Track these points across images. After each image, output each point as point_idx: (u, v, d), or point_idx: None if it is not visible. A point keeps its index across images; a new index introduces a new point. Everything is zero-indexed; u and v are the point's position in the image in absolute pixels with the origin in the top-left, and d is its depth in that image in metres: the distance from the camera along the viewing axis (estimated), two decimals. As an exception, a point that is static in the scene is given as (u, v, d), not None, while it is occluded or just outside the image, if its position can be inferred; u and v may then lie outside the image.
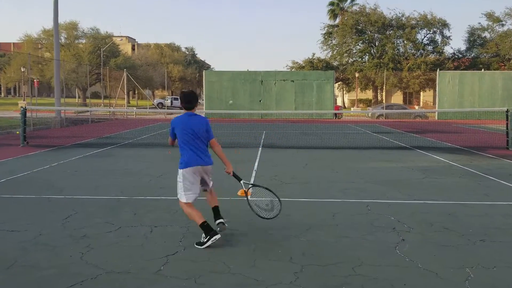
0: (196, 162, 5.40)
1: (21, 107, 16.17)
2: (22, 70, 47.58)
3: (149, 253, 5.01)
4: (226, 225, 5.62)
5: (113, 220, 6.31)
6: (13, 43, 76.09)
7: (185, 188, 5.32)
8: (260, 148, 15.07)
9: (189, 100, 5.58)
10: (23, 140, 15.35)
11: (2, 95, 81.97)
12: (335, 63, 57.54)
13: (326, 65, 55.07)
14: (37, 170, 10.40)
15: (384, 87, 50.39)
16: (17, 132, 17.76)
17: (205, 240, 5.19)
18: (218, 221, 5.56)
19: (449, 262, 4.80)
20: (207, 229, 5.22)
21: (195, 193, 5.40)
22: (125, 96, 48.69)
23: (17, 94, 79.12)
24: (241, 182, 5.79)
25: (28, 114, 18.41)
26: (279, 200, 5.67)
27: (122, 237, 5.58)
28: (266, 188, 5.78)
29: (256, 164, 11.64)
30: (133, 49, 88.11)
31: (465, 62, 54.05)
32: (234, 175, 5.77)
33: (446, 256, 5.00)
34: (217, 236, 5.19)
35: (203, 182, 5.57)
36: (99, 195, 7.85)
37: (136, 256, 4.92)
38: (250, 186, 5.90)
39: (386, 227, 6.05)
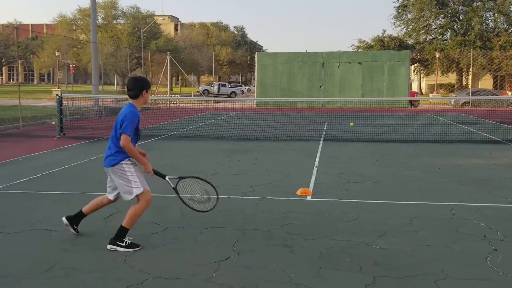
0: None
1: (57, 95, 16.93)
2: (57, 54, 49.76)
3: (199, 258, 5.15)
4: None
5: (158, 220, 6.51)
6: (46, 25, 79.79)
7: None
8: (321, 142, 15.02)
9: (131, 87, 5.48)
10: (59, 131, 16.10)
11: (35, 82, 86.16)
12: (411, 42, 56.25)
13: (400, 44, 53.93)
14: (75, 164, 10.89)
15: (470, 70, 48.64)
16: (53, 123, 18.64)
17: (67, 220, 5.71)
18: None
19: (554, 278, 4.62)
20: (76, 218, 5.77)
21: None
22: (168, 82, 49.85)
23: (51, 81, 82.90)
24: (166, 178, 5.64)
25: (64, 103, 19.25)
26: (213, 187, 5.68)
27: (169, 239, 5.76)
28: (196, 177, 5.77)
29: (317, 160, 11.62)
30: (176, 29, 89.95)
31: None
32: (156, 173, 5.59)
33: (551, 271, 4.80)
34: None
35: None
36: (142, 193, 8.11)
37: (185, 261, 5.07)
38: (177, 180, 5.73)
39: (475, 235, 5.89)
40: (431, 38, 56.18)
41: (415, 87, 62.64)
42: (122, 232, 5.39)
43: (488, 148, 13.70)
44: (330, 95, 35.84)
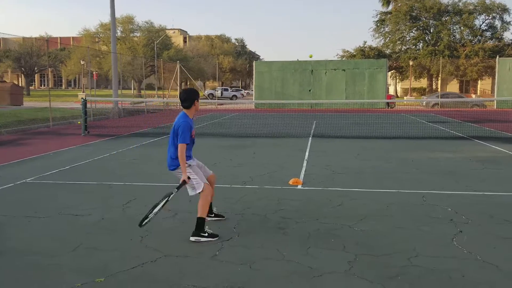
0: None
1: (82, 98, 16.88)
2: (82, 63, 49.60)
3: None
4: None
5: (169, 206, 6.48)
6: (73, 37, 79.46)
7: None
8: (310, 138, 15.00)
9: (184, 99, 5.32)
10: (84, 129, 16.05)
11: (63, 87, 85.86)
12: (388, 51, 56.13)
13: (378, 53, 53.82)
14: (98, 158, 10.87)
15: (439, 76, 48.62)
16: (79, 122, 18.60)
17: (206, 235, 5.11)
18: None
19: (511, 255, 4.62)
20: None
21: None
22: (178, 87, 49.70)
23: (77, 86, 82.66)
24: (175, 190, 5.18)
25: (88, 105, 19.19)
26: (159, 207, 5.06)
27: (178, 223, 5.76)
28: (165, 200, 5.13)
29: (307, 153, 11.61)
30: (184, 41, 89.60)
31: (527, 49, 51.15)
32: (180, 186, 5.17)
33: (508, 249, 4.81)
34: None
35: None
36: (156, 182, 8.11)
37: (192, 241, 5.05)
38: (168, 199, 5.12)
39: (443, 219, 5.88)
40: (405, 48, 56.07)
41: (391, 91, 62.49)
42: (201, 223, 5.12)
43: (455, 143, 13.69)
44: (318, 97, 35.79)
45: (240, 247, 4.89)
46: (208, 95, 57.08)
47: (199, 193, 5.21)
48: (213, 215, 5.85)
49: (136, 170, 9.38)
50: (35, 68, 58.05)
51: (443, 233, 5.32)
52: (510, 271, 4.22)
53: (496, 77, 35.86)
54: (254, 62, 40.11)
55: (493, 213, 6.12)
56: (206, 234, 5.11)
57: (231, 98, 55.86)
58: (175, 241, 5.08)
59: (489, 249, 4.80)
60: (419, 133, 16.39)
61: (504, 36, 52.51)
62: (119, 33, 56.02)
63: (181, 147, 5.14)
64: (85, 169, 9.50)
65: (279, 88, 36.98)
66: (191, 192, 5.28)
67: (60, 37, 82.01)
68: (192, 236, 5.09)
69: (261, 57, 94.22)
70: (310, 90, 36.80)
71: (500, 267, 4.32)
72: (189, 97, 5.33)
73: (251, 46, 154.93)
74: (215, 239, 5.09)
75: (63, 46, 70.95)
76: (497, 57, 37.42)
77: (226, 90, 60.45)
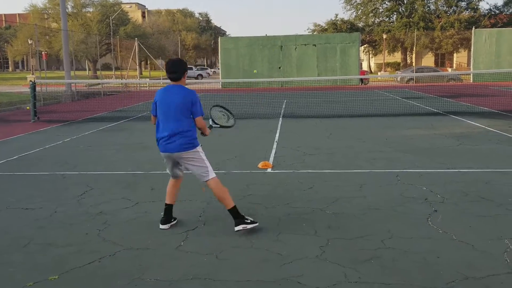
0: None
1: (30, 81, 16.38)
2: (29, 43, 48.06)
3: (168, 229, 5.11)
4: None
5: (129, 195, 6.42)
6: (18, 14, 76.74)
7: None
8: (280, 119, 15.04)
9: (174, 70, 5.09)
10: (33, 115, 15.61)
11: (10, 69, 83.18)
12: (360, 24, 56.50)
13: (351, 27, 54.15)
14: (49, 146, 10.61)
15: (414, 49, 49.36)
16: (28, 108, 18.06)
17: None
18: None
19: (486, 234, 4.77)
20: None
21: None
22: (137, 67, 48.90)
23: (25, 68, 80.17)
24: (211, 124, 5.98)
25: (37, 89, 18.66)
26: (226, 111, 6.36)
27: (139, 213, 5.69)
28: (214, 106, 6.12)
29: (277, 135, 11.64)
30: (143, 16, 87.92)
31: (502, 19, 52.49)
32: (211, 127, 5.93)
33: (483, 227, 4.96)
34: None
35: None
36: (114, 171, 7.99)
37: (155, 232, 5.02)
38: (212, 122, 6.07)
39: (418, 198, 6.02)
40: (379, 20, 56.59)
41: (365, 66, 63.20)
42: (236, 211, 4.99)
43: (430, 119, 13.97)
44: (288, 75, 35.85)
45: (206, 236, 4.88)
46: (171, 75, 56.22)
47: (206, 181, 5.13)
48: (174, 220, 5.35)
49: (92, 158, 9.20)
50: (-23, 49, 55.97)
51: (417, 213, 5.45)
52: (486, 250, 4.36)
53: (472, 49, 36.69)
54: (219, 38, 39.77)
55: (468, 190, 6.30)
56: (249, 221, 4.96)
57: (196, 78, 55.25)
58: (136, 233, 5.03)
59: (465, 228, 4.95)
60: (393, 110, 16.65)
61: (479, 6, 53.67)
62: (70, 9, 54.42)
63: (200, 119, 5.42)
64: (35, 159, 9.26)
65: (247, 66, 36.85)
66: (203, 178, 5.20)
67: (4, 14, 79.22)
68: (236, 226, 4.92)
69: (227, 33, 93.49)
70: (279, 67, 36.79)
71: (476, 246, 4.46)
72: (181, 68, 5.19)
73: (216, 21, 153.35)
74: (256, 225, 4.96)
75: (8, 24, 68.56)
76: (473, 28, 38.21)
77: (191, 69, 59.74)
